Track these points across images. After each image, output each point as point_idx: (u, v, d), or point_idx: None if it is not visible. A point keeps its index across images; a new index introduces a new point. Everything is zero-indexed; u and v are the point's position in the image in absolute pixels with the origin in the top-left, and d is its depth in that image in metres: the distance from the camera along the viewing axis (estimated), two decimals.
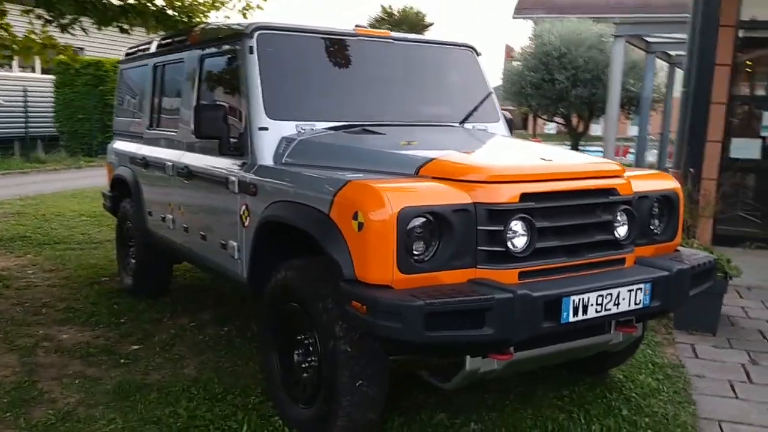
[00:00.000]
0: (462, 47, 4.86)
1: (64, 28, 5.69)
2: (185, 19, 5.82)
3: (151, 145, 5.44)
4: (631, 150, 20.53)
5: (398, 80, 4.54)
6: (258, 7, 6.43)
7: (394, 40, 4.53)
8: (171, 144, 5.02)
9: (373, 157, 3.45)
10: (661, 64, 18.66)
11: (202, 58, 4.62)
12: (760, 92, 9.09)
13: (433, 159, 3.22)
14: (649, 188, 3.61)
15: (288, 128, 3.91)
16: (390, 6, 24.56)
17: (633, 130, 31.11)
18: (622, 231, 3.36)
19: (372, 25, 25.31)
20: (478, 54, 4.92)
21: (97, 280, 6.43)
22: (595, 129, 30.38)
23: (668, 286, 3.27)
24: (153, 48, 5.59)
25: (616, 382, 4.17)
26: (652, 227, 3.65)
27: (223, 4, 6.26)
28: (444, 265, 2.91)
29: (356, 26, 4.57)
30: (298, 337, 3.44)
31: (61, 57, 6.63)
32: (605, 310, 3.07)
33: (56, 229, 9.10)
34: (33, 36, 5.92)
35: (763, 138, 8.43)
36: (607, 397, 3.93)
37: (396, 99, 4.47)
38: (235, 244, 3.96)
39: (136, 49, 6.11)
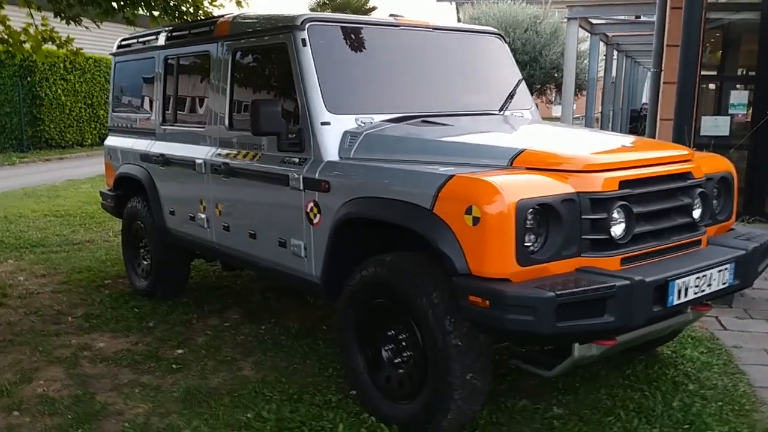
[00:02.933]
0: (491, 34, 4.89)
1: (72, 20, 5.39)
2: (192, 10, 5.61)
3: (168, 141, 5.26)
4: None
5: (439, 69, 4.53)
6: None
7: (432, 28, 4.52)
8: (197, 140, 4.86)
9: (459, 149, 3.44)
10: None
11: (234, 51, 4.48)
12: (724, 71, 9.48)
13: (524, 149, 3.25)
14: (710, 170, 3.75)
15: (349, 122, 3.86)
16: None
17: (556, 111, 31.90)
18: (697, 213, 3.49)
19: (313, 10, 24.93)
20: (505, 41, 4.96)
21: (101, 284, 6.18)
22: None
23: (746, 264, 3.42)
24: (162, 40, 5.38)
25: (667, 358, 4.33)
26: (713, 208, 3.79)
27: None
28: (554, 255, 2.96)
29: (391, 15, 4.54)
30: (388, 333, 3.44)
31: (60, 51, 6.26)
32: (700, 291, 3.20)
33: (26, 231, 8.67)
34: (30, 29, 5.58)
35: (732, 115, 8.83)
36: (667, 373, 4.08)
37: (439, 88, 4.47)
38: (300, 242, 3.89)
39: (135, 40, 5.86)
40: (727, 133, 8.75)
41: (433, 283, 3.12)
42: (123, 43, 6.07)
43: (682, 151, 3.59)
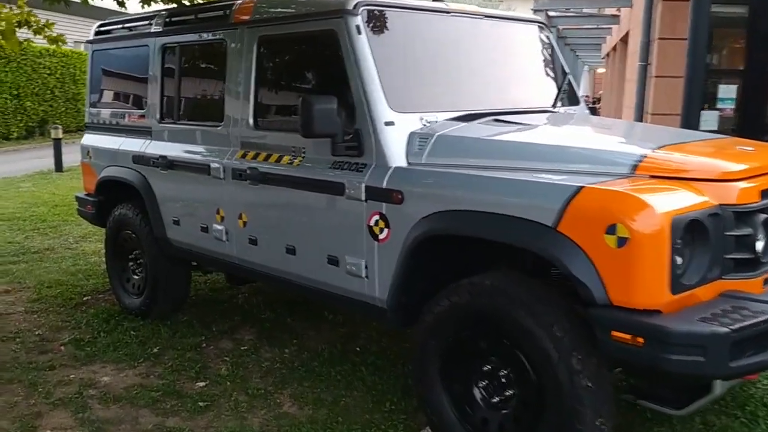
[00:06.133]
0: (536, 23, 4.46)
1: (57, 2, 4.66)
2: None
3: (168, 140, 4.62)
4: None
5: (491, 61, 4.07)
6: None
7: (483, 16, 4.05)
8: (210, 140, 4.26)
9: (566, 153, 2.97)
10: None
11: (261, 40, 3.90)
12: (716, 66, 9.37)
13: (646, 155, 2.83)
14: None
15: (413, 122, 3.36)
16: None
17: None
18: None
19: None
20: (549, 30, 4.55)
21: (80, 301, 5.47)
22: None
23: None
24: (157, 25, 4.71)
25: None
26: None
27: None
28: (701, 279, 2.56)
29: None
30: (484, 368, 2.97)
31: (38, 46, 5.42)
32: None
33: None
34: (2, 11, 4.81)
35: (720, 110, 8.72)
36: (752, 394, 3.76)
37: (494, 82, 4.02)
38: (360, 260, 3.36)
39: (120, 26, 5.17)
40: (715, 128, 8.64)
41: (552, 313, 2.68)
42: (102, 29, 5.36)
43: None
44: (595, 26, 17.64)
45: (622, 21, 14.65)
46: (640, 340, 2.39)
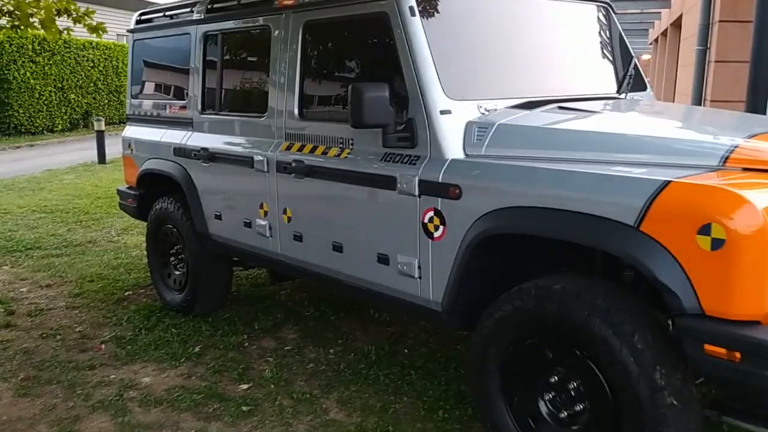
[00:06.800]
0: (600, 4, 4.16)
1: None
2: None
3: (210, 132, 4.44)
4: None
5: (554, 44, 3.79)
6: None
7: None
8: (253, 131, 4.07)
9: (645, 144, 2.68)
10: None
11: (307, 25, 3.68)
12: None
13: (737, 145, 2.54)
14: None
15: (471, 110, 3.10)
16: None
17: None
18: None
19: None
20: (614, 12, 4.24)
21: (122, 296, 5.35)
22: None
23: None
24: (199, 12, 4.53)
25: None
26: None
27: None
28: None
29: None
30: (551, 380, 2.71)
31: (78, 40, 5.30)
32: None
33: (16, 231, 7.73)
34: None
35: None
36: None
37: (558, 66, 3.75)
38: (412, 259, 3.13)
39: (161, 14, 5.01)
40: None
41: (632, 321, 2.41)
42: (143, 17, 5.21)
43: None
44: (641, 11, 17.04)
45: (673, 5, 14.09)
46: (737, 354, 2.12)
